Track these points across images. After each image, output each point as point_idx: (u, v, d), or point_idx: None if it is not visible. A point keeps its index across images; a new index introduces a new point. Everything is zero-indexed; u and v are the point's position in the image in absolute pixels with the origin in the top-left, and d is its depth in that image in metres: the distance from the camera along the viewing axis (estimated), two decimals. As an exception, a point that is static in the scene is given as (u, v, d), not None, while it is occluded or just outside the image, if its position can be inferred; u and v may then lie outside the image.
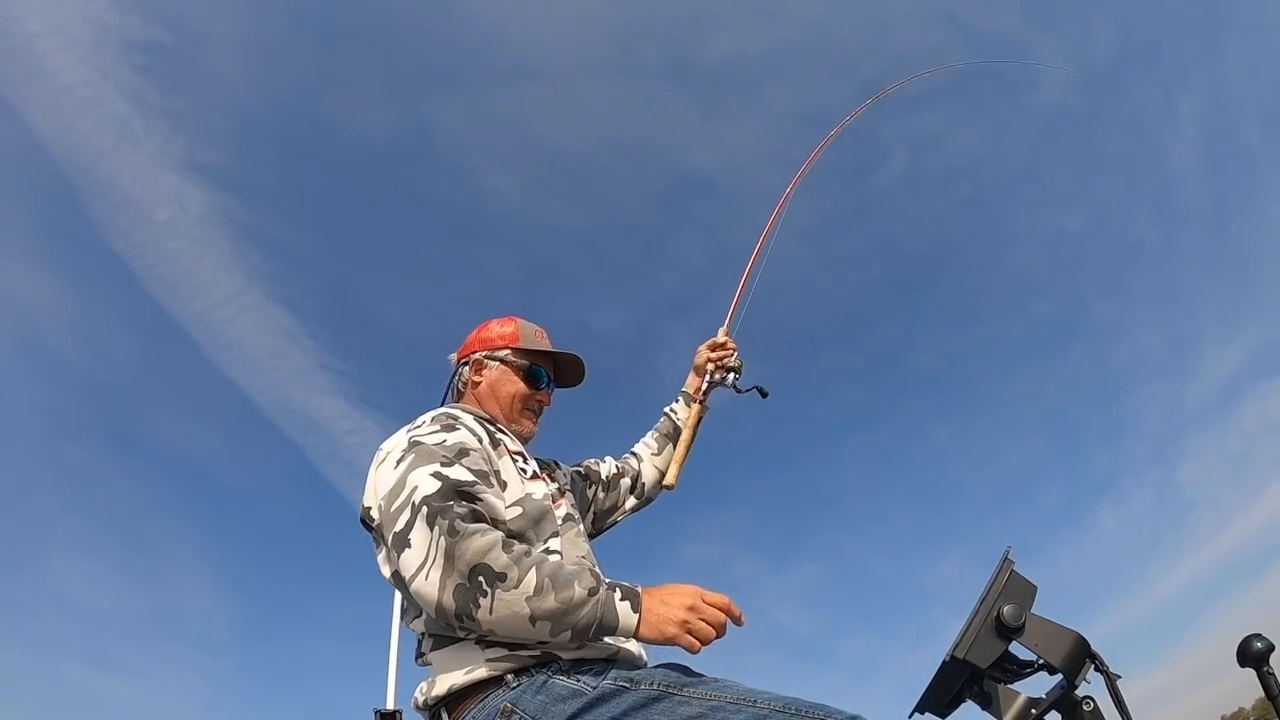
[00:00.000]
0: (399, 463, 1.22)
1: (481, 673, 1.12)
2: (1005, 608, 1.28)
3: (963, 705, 1.35)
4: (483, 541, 1.09)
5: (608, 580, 1.14)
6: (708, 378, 1.87)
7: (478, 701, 1.12)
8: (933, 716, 1.39)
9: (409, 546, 1.11)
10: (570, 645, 1.14)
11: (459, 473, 1.19)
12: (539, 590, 1.07)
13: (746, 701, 1.05)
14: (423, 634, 1.24)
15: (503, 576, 1.06)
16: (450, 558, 1.07)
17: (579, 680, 1.10)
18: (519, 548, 1.12)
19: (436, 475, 1.17)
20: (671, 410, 1.89)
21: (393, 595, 2.86)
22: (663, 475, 1.79)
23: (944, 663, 1.30)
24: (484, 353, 1.59)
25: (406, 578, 1.11)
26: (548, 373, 1.61)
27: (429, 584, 1.07)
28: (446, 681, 1.15)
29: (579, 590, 1.09)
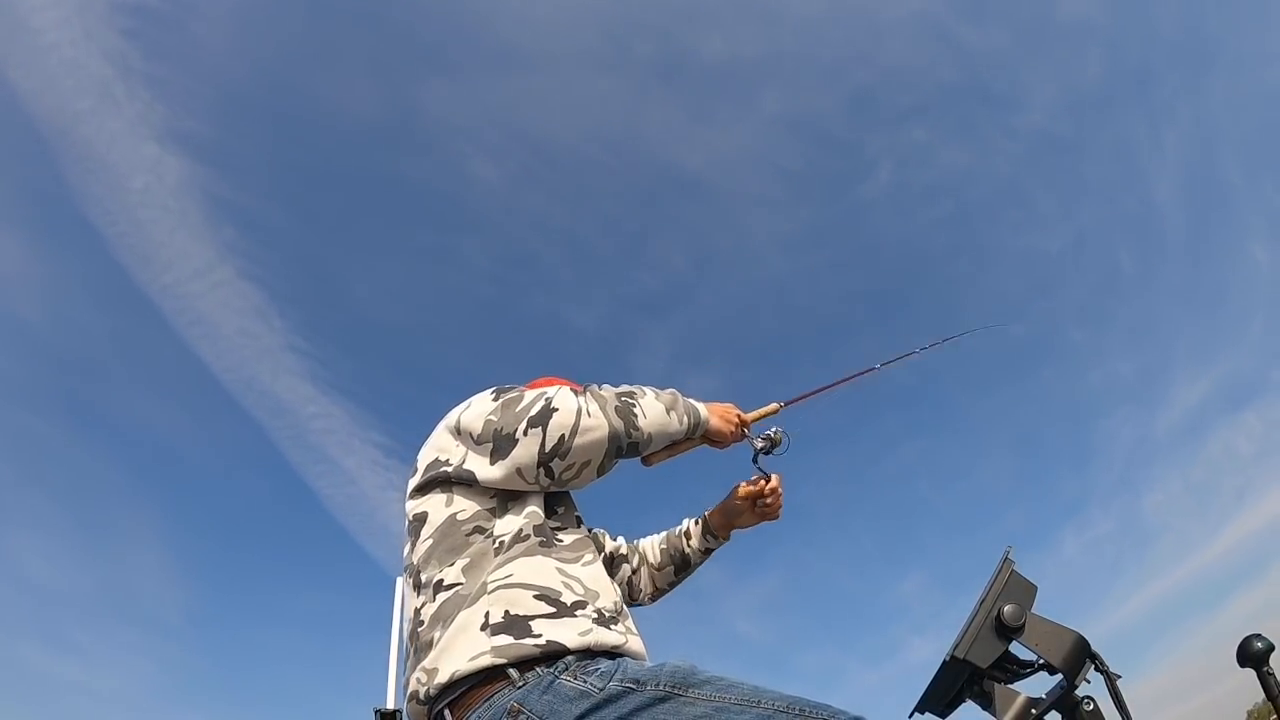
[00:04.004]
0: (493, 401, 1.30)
1: (486, 659, 1.11)
2: (1005, 607, 1.28)
3: (963, 705, 1.36)
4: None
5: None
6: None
7: (483, 700, 1.12)
8: (933, 716, 1.40)
9: (557, 410, 1.20)
10: (689, 433, 1.37)
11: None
12: (656, 395, 1.32)
13: (751, 702, 1.06)
14: (436, 584, 1.19)
15: (631, 394, 1.28)
16: (599, 398, 1.24)
17: (585, 681, 1.10)
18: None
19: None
20: (686, 535, 1.72)
21: (392, 590, 2.76)
22: (655, 593, 1.71)
23: (944, 663, 1.31)
24: None
25: (568, 431, 1.19)
26: None
27: (593, 419, 1.20)
28: (450, 667, 1.13)
29: (668, 393, 1.36)
